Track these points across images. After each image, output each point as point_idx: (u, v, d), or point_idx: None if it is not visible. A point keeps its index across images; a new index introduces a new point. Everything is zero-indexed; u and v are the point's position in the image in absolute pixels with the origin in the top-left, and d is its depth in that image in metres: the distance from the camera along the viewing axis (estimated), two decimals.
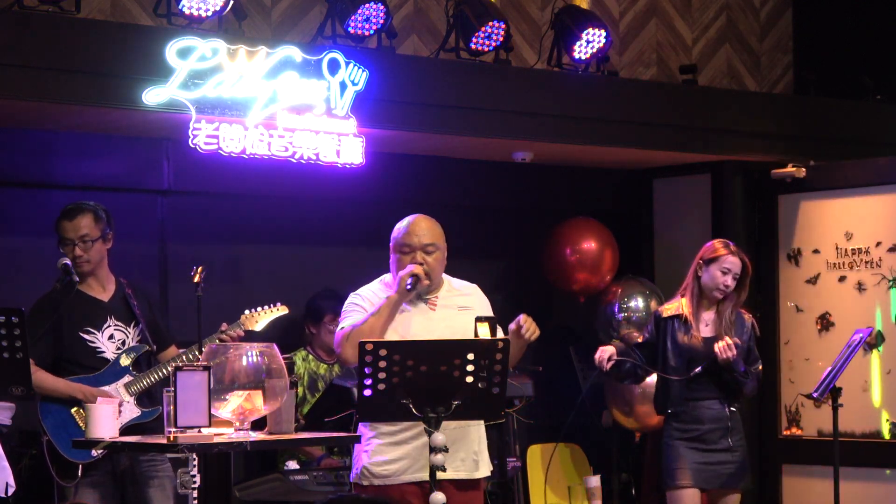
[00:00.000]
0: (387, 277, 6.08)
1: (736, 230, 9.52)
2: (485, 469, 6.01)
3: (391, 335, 5.89)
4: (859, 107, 9.86)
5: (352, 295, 6.07)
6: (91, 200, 6.80)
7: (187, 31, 7.29)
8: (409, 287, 5.84)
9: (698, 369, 7.21)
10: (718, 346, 7.12)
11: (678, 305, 7.31)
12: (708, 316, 7.29)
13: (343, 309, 6.05)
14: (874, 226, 9.09)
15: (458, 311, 5.98)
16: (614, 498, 9.42)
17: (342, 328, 5.94)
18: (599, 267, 9.45)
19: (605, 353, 7.27)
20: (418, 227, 5.98)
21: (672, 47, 9.91)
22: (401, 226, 6.03)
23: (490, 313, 6.01)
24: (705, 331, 7.25)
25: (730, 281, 7.25)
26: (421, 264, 5.91)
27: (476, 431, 5.99)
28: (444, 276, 6.10)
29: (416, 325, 5.93)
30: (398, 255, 5.98)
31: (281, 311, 6.96)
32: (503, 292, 9.68)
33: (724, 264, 7.26)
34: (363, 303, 5.98)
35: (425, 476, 5.65)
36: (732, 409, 7.25)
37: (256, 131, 7.36)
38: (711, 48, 10.10)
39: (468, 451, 5.94)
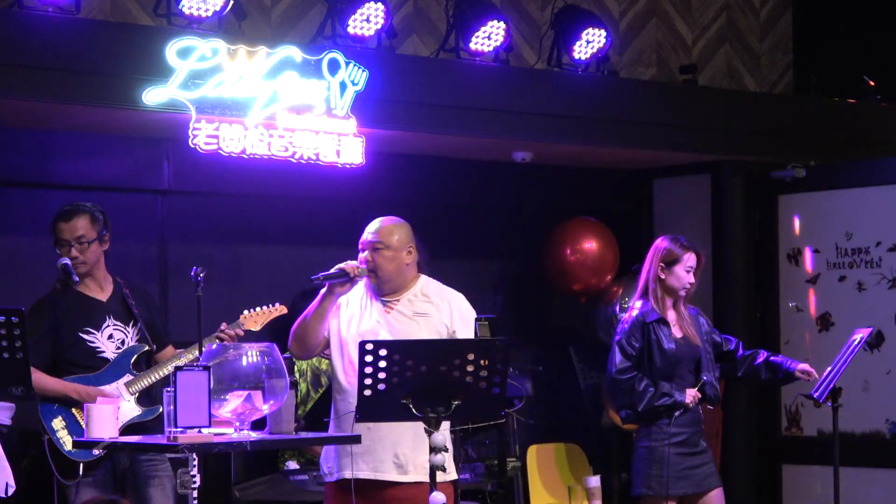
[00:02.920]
0: None
1: (736, 230, 9.52)
2: (413, 474, 5.94)
3: (340, 332, 6.00)
4: (859, 107, 9.86)
5: None
6: (91, 200, 6.79)
7: (187, 31, 7.30)
8: (321, 278, 5.94)
9: (707, 377, 7.21)
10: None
11: (654, 310, 7.25)
12: (671, 316, 7.26)
13: None
14: (874, 226, 9.09)
15: (412, 317, 6.00)
16: (614, 498, 9.42)
17: None
18: (600, 267, 9.44)
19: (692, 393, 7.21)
20: (371, 226, 6.11)
21: (672, 47, 9.91)
22: None
23: (458, 322, 5.99)
24: (675, 331, 7.23)
25: (692, 277, 7.23)
26: (368, 261, 6.01)
27: (406, 434, 5.91)
28: (426, 281, 6.12)
29: (364, 325, 6.01)
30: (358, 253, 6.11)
31: (280, 311, 6.96)
32: (503, 292, 9.70)
33: (688, 263, 7.23)
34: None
35: (346, 475, 5.88)
36: (709, 407, 7.26)
37: (256, 131, 7.36)
38: (711, 48, 10.11)
39: (389, 452, 5.93)
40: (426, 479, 5.71)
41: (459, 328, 6.02)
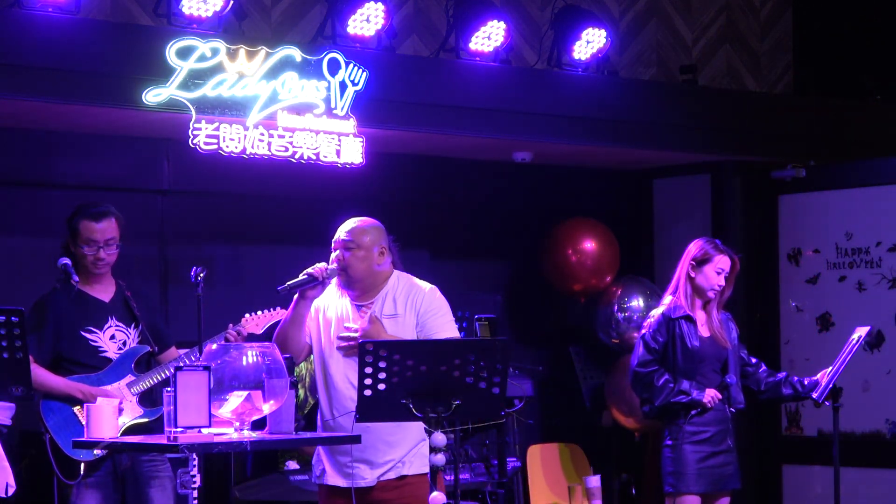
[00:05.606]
0: None
1: (736, 230, 9.52)
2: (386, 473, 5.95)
3: (321, 340, 6.00)
4: (859, 107, 9.85)
5: None
6: (91, 200, 6.78)
7: (187, 31, 7.30)
8: (288, 287, 5.93)
9: (731, 380, 7.20)
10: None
11: (681, 307, 7.24)
12: (700, 316, 7.27)
13: None
14: (874, 226, 9.09)
15: (381, 319, 5.97)
16: (614, 498, 9.42)
17: None
18: (600, 267, 9.44)
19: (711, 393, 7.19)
20: (344, 226, 6.05)
21: (672, 47, 9.91)
22: None
23: (429, 311, 5.96)
24: (702, 331, 7.24)
25: (723, 280, 7.23)
26: (340, 260, 5.97)
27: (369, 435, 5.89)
28: (398, 279, 6.06)
29: (338, 329, 5.99)
30: (331, 251, 6.07)
31: (281, 314, 6.96)
32: (503, 292, 9.69)
33: (718, 264, 7.23)
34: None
35: (327, 481, 5.93)
36: (732, 410, 7.24)
37: (256, 131, 7.36)
38: (711, 48, 10.11)
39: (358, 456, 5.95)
40: (397, 475, 5.88)
41: (429, 320, 5.96)
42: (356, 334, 5.88)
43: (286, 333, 6.02)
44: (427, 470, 5.81)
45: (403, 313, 5.97)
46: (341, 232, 6.02)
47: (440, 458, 5.31)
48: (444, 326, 5.94)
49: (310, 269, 5.97)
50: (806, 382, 7.29)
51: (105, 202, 6.74)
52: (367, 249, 5.98)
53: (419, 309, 5.97)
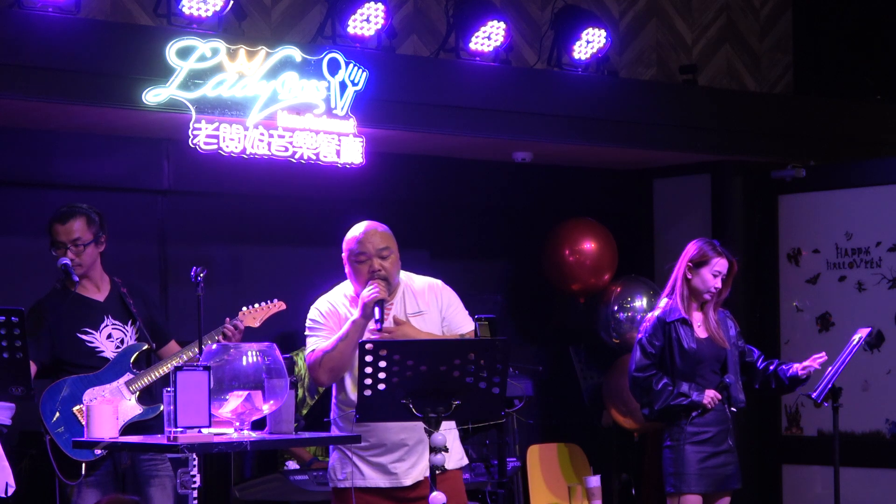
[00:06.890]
0: (348, 289, 6.01)
1: (736, 230, 9.53)
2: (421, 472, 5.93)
3: None
4: (859, 107, 9.85)
5: (312, 308, 6.03)
6: (90, 200, 6.79)
7: (187, 31, 7.31)
8: (377, 319, 5.80)
9: (730, 379, 7.19)
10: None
11: (676, 309, 7.23)
12: (697, 317, 7.26)
13: (307, 324, 6.02)
14: (874, 226, 9.09)
15: (408, 319, 5.94)
16: (614, 498, 9.42)
17: (311, 350, 5.94)
18: (599, 267, 9.44)
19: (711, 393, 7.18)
20: (371, 234, 5.93)
21: (672, 47, 9.91)
22: (353, 235, 5.97)
23: (450, 305, 5.99)
24: (699, 332, 7.23)
25: (719, 283, 7.22)
26: (378, 270, 5.87)
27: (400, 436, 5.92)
28: (406, 277, 6.05)
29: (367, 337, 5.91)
30: (355, 264, 5.94)
31: (279, 307, 6.96)
32: (503, 292, 9.70)
33: (715, 267, 7.21)
34: (326, 320, 5.97)
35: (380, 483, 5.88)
36: (733, 409, 7.24)
37: (256, 131, 7.37)
38: (711, 48, 10.11)
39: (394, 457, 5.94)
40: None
41: (452, 314, 6.00)
42: (387, 334, 5.81)
43: (346, 355, 5.84)
44: (463, 464, 5.99)
45: (428, 310, 5.98)
46: (372, 242, 5.91)
47: (440, 458, 5.31)
48: (466, 319, 6.03)
49: (372, 295, 5.79)
50: (789, 372, 7.23)
51: (88, 202, 6.74)
52: (394, 252, 5.96)
53: (441, 304, 6.00)
